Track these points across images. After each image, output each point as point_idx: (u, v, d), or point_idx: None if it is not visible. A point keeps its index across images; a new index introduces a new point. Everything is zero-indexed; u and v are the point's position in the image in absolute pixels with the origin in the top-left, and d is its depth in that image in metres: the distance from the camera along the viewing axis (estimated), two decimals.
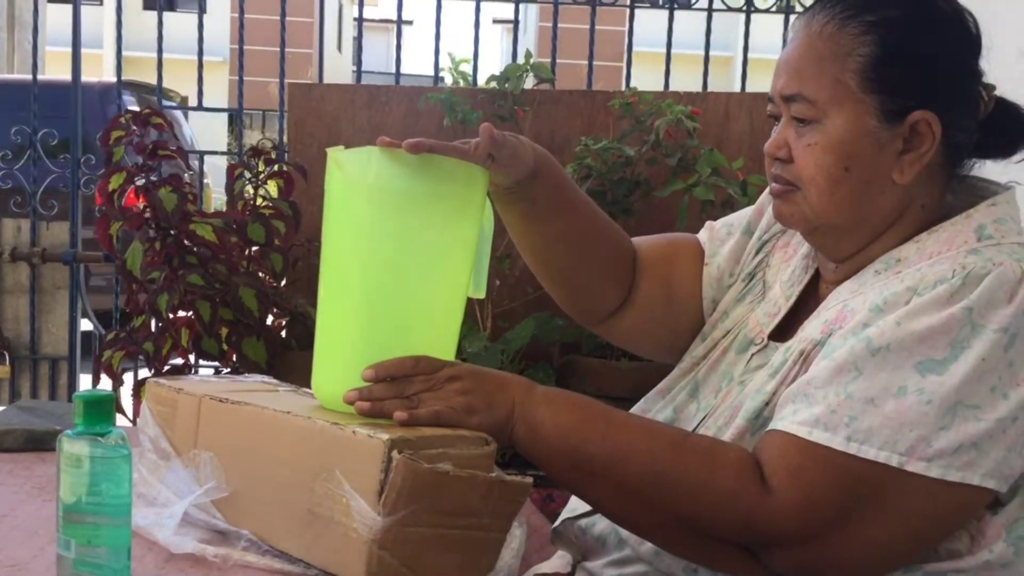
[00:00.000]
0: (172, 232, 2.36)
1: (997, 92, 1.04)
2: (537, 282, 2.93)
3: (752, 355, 1.08)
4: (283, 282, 2.59)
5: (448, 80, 2.94)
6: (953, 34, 1.01)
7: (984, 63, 1.03)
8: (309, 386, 1.31)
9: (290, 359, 2.50)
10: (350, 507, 0.92)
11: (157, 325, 2.36)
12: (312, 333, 2.73)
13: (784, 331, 1.08)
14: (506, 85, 2.62)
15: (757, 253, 1.19)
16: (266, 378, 1.41)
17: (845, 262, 1.04)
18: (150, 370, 2.41)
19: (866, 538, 0.90)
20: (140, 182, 2.40)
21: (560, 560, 1.17)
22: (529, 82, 2.66)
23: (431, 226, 1.03)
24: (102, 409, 0.85)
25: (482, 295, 1.14)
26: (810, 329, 1.01)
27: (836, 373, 0.90)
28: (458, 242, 1.06)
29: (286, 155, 2.84)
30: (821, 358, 0.94)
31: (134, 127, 2.43)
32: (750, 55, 3.04)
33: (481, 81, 2.90)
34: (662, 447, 0.97)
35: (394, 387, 1.00)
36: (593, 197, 2.45)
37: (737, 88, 3.00)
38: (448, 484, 0.93)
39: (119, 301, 3.04)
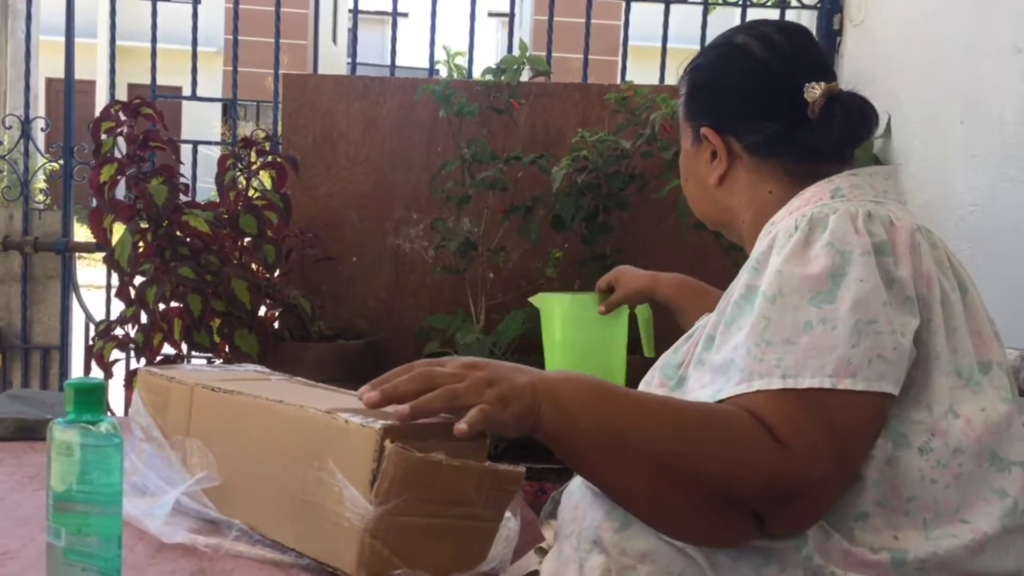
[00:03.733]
0: (163, 223, 2.35)
1: (994, 86, 1.08)
2: (530, 275, 2.95)
3: (688, 335, 1.20)
4: (276, 273, 2.59)
5: (443, 73, 2.94)
6: (737, 65, 1.21)
7: (979, 60, 1.07)
8: (302, 376, 1.31)
9: (283, 350, 2.50)
10: (342, 496, 0.92)
11: (147, 317, 2.35)
12: (305, 324, 2.73)
13: None
14: (502, 77, 2.61)
15: None
16: (259, 367, 1.40)
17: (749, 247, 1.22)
18: (139, 360, 2.40)
19: (841, 468, 0.96)
20: (130, 173, 2.39)
21: (549, 536, 1.19)
22: (525, 75, 2.66)
23: (595, 336, 1.70)
24: (93, 397, 0.84)
25: (652, 354, 1.63)
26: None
27: (751, 330, 0.99)
28: (614, 341, 1.68)
29: (279, 146, 2.84)
30: (724, 327, 1.04)
31: (124, 117, 2.42)
32: None
33: (476, 75, 2.89)
34: (685, 416, 0.97)
35: (419, 381, 0.95)
36: (589, 190, 2.48)
37: None
38: (441, 473, 0.92)
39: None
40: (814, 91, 1.14)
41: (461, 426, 0.92)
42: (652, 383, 1.13)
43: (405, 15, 20.36)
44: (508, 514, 1.03)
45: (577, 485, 1.17)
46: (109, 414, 2.11)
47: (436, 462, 0.92)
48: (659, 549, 1.04)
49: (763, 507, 0.94)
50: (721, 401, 0.99)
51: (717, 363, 1.02)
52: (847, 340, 0.95)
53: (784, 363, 0.95)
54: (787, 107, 1.17)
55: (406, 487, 0.91)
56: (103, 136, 2.45)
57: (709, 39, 3.08)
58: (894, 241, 1.02)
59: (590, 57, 3.02)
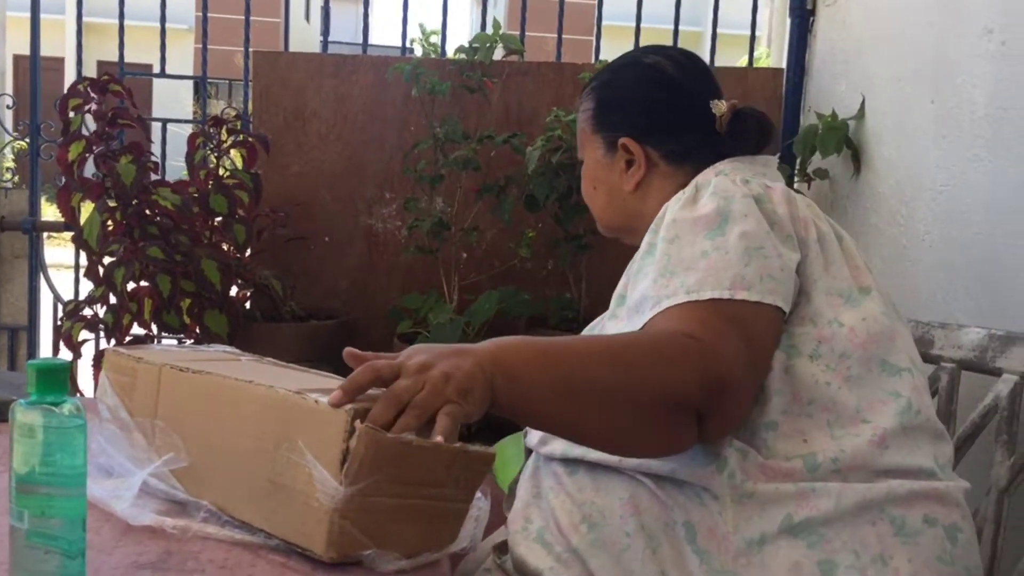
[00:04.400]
0: (132, 202, 2.32)
1: (964, 66, 1.13)
2: (503, 255, 2.94)
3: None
4: (247, 253, 2.56)
5: (418, 52, 2.91)
6: (645, 82, 1.36)
7: (951, 40, 1.10)
8: (273, 357, 1.30)
9: (254, 331, 2.48)
10: (312, 477, 0.91)
11: (116, 297, 2.32)
12: (277, 304, 2.71)
13: None
14: (475, 56, 2.59)
15: None
16: (228, 348, 1.39)
17: None
18: (108, 341, 2.37)
19: (753, 362, 1.07)
20: (99, 151, 2.35)
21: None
22: (498, 53, 2.64)
23: None
24: (56, 378, 0.82)
25: None
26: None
27: (655, 268, 1.12)
28: None
29: (250, 125, 2.80)
30: (633, 279, 1.17)
31: (92, 94, 2.38)
32: (719, 30, 3.04)
33: (450, 54, 2.87)
34: (615, 347, 1.05)
35: (389, 401, 0.93)
36: (563, 170, 2.47)
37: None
38: (411, 454, 0.92)
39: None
40: (720, 106, 1.31)
41: (438, 439, 0.92)
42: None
43: None
44: (479, 494, 1.03)
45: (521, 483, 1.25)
46: (78, 395, 2.07)
47: (407, 443, 0.91)
48: (608, 482, 1.14)
49: (702, 403, 1.01)
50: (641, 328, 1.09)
51: (631, 306, 1.15)
52: (739, 261, 1.09)
53: (687, 284, 1.08)
54: (699, 119, 1.32)
55: (376, 468, 0.90)
56: (71, 113, 2.41)
57: (683, 20, 3.08)
58: (769, 196, 1.17)
59: (564, 36, 3.00)
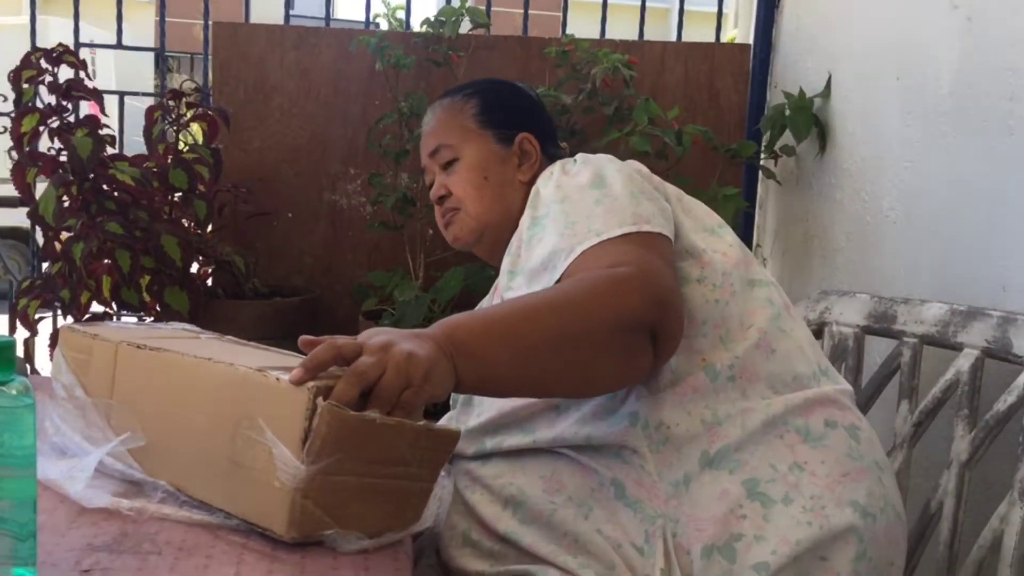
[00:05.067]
0: (89, 177, 2.27)
1: (930, 42, 1.19)
2: None
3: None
4: (208, 229, 2.52)
5: (384, 27, 2.86)
6: (524, 94, 1.56)
7: (917, 16, 1.15)
8: (237, 335, 1.27)
9: (216, 308, 2.44)
10: (273, 455, 0.89)
11: (73, 274, 2.27)
12: (239, 281, 2.67)
13: None
14: (441, 29, 2.56)
15: None
16: (187, 326, 1.36)
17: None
18: (66, 319, 2.33)
19: (673, 286, 1.14)
20: (53, 124, 2.29)
21: None
22: (464, 27, 2.61)
23: None
24: (2, 356, 0.80)
25: None
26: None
27: (553, 228, 1.19)
28: None
29: (211, 98, 2.75)
30: (526, 247, 1.24)
31: (47, 65, 2.32)
32: (686, 6, 3.02)
33: (415, 26, 2.83)
34: (553, 296, 1.08)
35: (352, 378, 0.91)
36: None
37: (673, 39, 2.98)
38: (374, 432, 0.90)
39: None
40: (564, 146, 1.56)
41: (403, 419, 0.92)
42: None
43: None
44: (443, 473, 1.02)
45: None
46: (34, 374, 2.02)
47: (370, 421, 0.90)
48: (526, 462, 1.18)
49: (653, 320, 1.07)
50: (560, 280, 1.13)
51: (535, 268, 1.19)
52: (631, 203, 1.18)
53: (594, 227, 1.14)
54: (555, 134, 1.56)
55: (339, 446, 0.88)
56: (24, 85, 2.34)
57: None
58: (625, 164, 1.30)
59: (531, 11, 2.97)
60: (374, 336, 0.96)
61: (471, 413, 1.29)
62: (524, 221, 1.28)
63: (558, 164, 1.32)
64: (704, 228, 1.28)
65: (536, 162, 1.44)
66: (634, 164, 1.32)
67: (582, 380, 1.08)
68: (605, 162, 1.28)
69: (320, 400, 0.88)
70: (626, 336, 1.06)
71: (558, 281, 1.14)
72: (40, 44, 2.57)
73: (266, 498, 0.91)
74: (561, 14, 3.06)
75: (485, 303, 1.43)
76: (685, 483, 1.12)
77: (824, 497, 1.11)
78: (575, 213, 1.18)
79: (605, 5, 2.91)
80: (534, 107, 1.55)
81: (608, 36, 2.88)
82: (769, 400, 1.16)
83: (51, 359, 2.32)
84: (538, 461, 1.18)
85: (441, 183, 1.46)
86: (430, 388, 0.93)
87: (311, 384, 0.89)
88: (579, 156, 1.33)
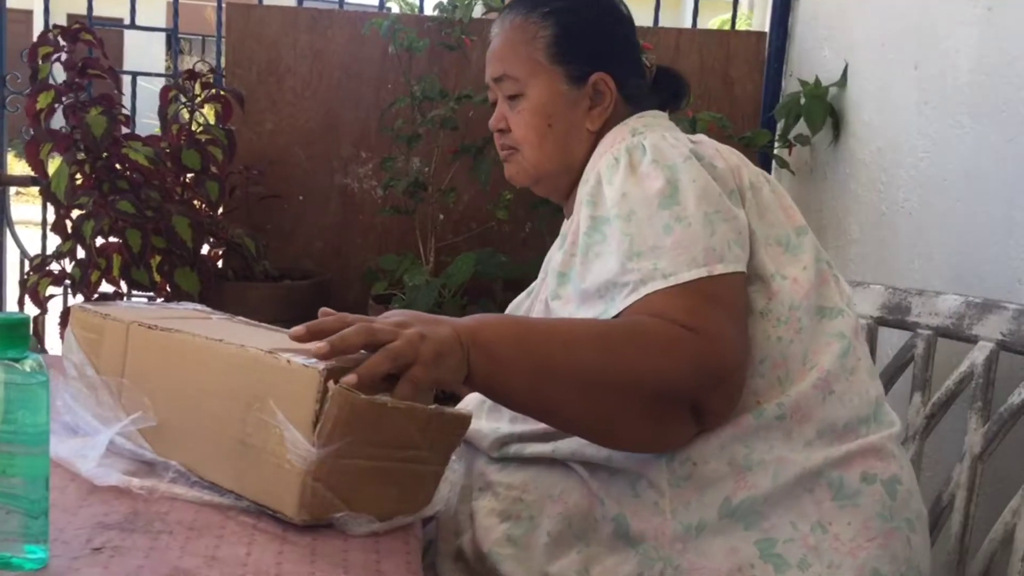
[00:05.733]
0: (102, 155, 2.27)
1: (948, 31, 1.14)
2: (481, 217, 2.91)
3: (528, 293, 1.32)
4: (219, 211, 2.52)
5: (396, 10, 2.85)
6: (611, 14, 1.29)
7: (935, 4, 1.13)
8: (245, 317, 1.27)
9: (226, 290, 2.44)
10: (283, 438, 0.89)
11: (84, 252, 2.28)
12: (250, 263, 2.67)
13: None
14: (454, 13, 2.54)
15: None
16: (199, 306, 1.36)
17: (569, 200, 1.30)
18: (76, 297, 2.33)
19: (744, 344, 1.05)
20: (68, 101, 2.29)
21: None
22: (477, 11, 2.59)
23: None
24: (17, 333, 0.79)
25: None
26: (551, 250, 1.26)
27: (617, 250, 1.05)
28: None
29: (223, 80, 2.74)
30: (582, 256, 1.10)
31: (63, 43, 2.32)
32: None
33: (428, 10, 2.81)
34: (601, 330, 1.00)
35: (363, 335, 0.92)
36: None
37: (688, 25, 2.96)
38: (386, 416, 0.90)
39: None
40: (651, 57, 1.30)
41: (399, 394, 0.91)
42: None
43: None
44: (453, 457, 1.01)
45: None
46: (44, 352, 2.03)
47: (381, 404, 0.89)
48: (538, 476, 1.12)
49: (698, 394, 0.99)
50: (616, 316, 1.03)
51: (589, 290, 1.08)
52: (704, 231, 1.05)
53: (661, 266, 1.03)
54: (642, 66, 1.31)
55: (350, 429, 0.88)
56: (40, 62, 2.34)
57: None
58: (702, 148, 1.15)
59: None
60: (392, 316, 0.96)
61: (503, 411, 1.19)
62: (583, 215, 1.13)
63: (624, 152, 1.14)
64: (779, 241, 1.13)
65: (609, 106, 1.25)
66: (710, 149, 1.15)
67: (599, 431, 1.02)
68: (679, 163, 1.10)
69: (331, 383, 0.88)
70: (663, 405, 0.99)
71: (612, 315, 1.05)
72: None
73: (276, 480, 0.91)
74: None
75: (523, 300, 1.32)
76: (698, 530, 1.04)
77: (844, 566, 1.03)
78: (641, 239, 1.05)
79: None
80: (619, 34, 1.30)
81: None
82: (809, 451, 1.06)
83: (61, 338, 2.33)
84: (552, 477, 1.12)
85: (502, 114, 1.29)
86: (438, 371, 0.93)
87: (322, 366, 0.89)
88: (649, 143, 1.14)
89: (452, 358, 0.94)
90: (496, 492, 1.14)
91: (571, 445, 1.10)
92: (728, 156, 1.15)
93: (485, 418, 1.21)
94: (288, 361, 0.91)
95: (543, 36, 1.25)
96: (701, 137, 1.19)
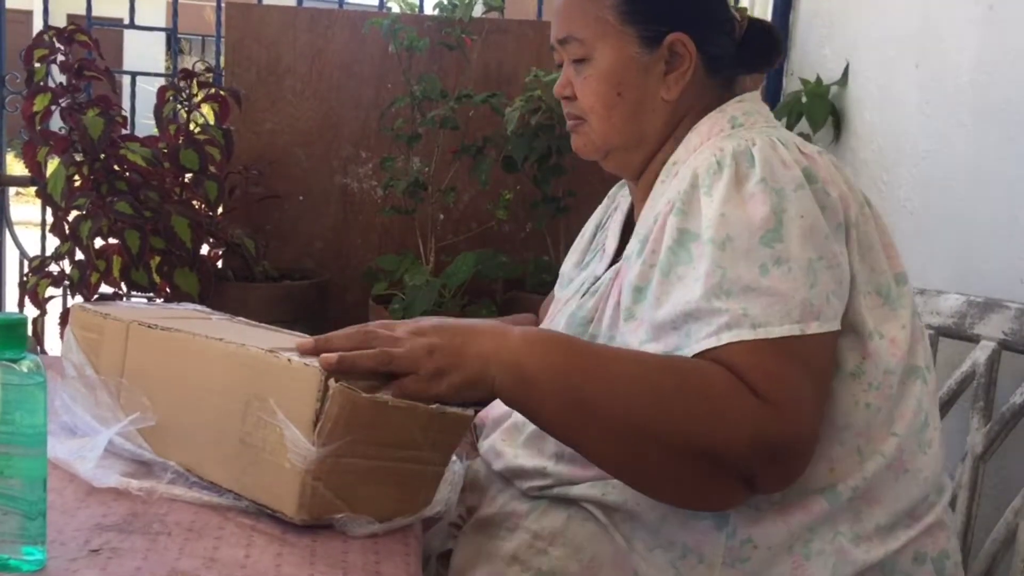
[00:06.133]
0: (100, 157, 2.26)
1: (950, 30, 1.09)
2: (481, 217, 2.90)
3: (586, 290, 1.15)
4: (218, 211, 2.51)
5: (396, 9, 2.85)
6: None
7: (938, 5, 1.08)
8: (246, 317, 1.26)
9: (226, 290, 2.44)
10: (283, 437, 0.88)
11: (82, 253, 2.27)
12: (249, 264, 2.66)
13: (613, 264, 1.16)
14: (454, 12, 2.54)
15: (595, 235, 1.29)
16: (198, 306, 1.36)
17: (641, 179, 1.16)
18: (75, 298, 2.32)
19: (819, 417, 0.94)
20: (65, 104, 2.28)
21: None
22: (477, 10, 2.59)
23: None
24: (14, 333, 0.79)
25: None
26: (627, 251, 1.09)
27: (706, 281, 0.94)
28: None
29: (222, 79, 2.74)
30: (662, 277, 0.97)
31: (59, 45, 2.31)
32: None
33: (428, 10, 2.81)
34: (655, 374, 0.92)
35: (356, 338, 0.93)
36: (542, 131, 2.43)
37: None
38: (387, 415, 0.90)
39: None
40: (743, 10, 1.13)
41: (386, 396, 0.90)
42: None
43: None
44: (454, 457, 1.01)
45: (480, 464, 1.14)
46: (43, 353, 2.02)
47: (382, 403, 0.89)
48: (570, 529, 1.02)
49: (749, 467, 0.90)
50: (696, 355, 0.93)
51: (665, 319, 0.96)
52: (805, 281, 0.93)
53: (751, 312, 0.91)
54: (728, 22, 1.14)
55: (350, 428, 0.88)
56: (36, 64, 2.34)
57: None
58: (816, 166, 1.00)
59: None
60: (422, 320, 0.95)
61: (547, 443, 1.09)
62: (670, 224, 0.99)
63: (730, 160, 0.99)
64: (878, 289, 1.01)
65: (688, 70, 1.10)
66: (825, 172, 1.00)
67: (631, 476, 0.95)
68: (789, 190, 0.96)
69: (332, 382, 0.87)
70: (710, 467, 0.90)
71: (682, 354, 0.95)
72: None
73: (276, 480, 0.90)
74: None
75: (578, 294, 1.16)
76: None
77: None
78: (734, 275, 0.93)
79: None
80: None
81: None
82: (870, 546, 0.98)
83: (61, 338, 2.33)
84: (585, 532, 1.02)
85: (568, 79, 1.15)
86: (436, 388, 0.92)
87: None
88: (759, 154, 0.99)
89: (457, 375, 0.92)
90: (522, 538, 1.05)
91: (624, 494, 1.01)
92: (838, 180, 1.01)
93: (522, 447, 1.10)
94: (289, 360, 0.91)
95: None
96: (812, 149, 1.03)
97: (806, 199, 0.97)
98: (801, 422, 0.89)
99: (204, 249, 2.47)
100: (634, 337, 1.00)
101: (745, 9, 1.13)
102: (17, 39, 3.29)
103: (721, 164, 0.99)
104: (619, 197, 1.29)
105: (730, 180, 0.98)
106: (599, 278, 1.14)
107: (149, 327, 1.07)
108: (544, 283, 2.56)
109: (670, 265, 0.97)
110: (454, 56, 2.64)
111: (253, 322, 1.23)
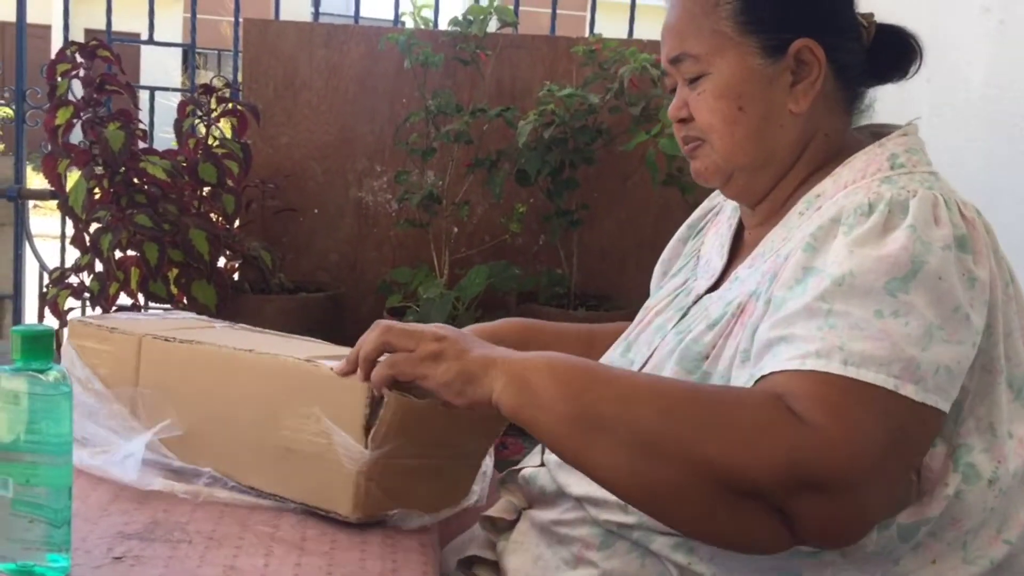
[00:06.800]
0: (120, 170, 2.30)
1: (961, 44, 1.06)
2: (494, 230, 2.92)
3: (688, 309, 1.06)
4: (235, 224, 2.54)
5: (411, 25, 2.88)
6: None
7: (947, 18, 1.05)
8: (261, 328, 1.28)
9: (242, 302, 2.46)
10: (333, 442, 0.93)
11: (101, 265, 2.30)
12: (266, 276, 2.68)
13: (717, 285, 1.07)
14: (469, 28, 2.56)
15: (691, 240, 1.22)
16: (192, 314, 1.38)
17: (763, 203, 1.06)
18: (94, 310, 2.35)
19: (893, 470, 0.83)
20: (86, 117, 2.32)
21: (506, 505, 1.09)
22: (492, 26, 2.61)
23: None
24: (40, 345, 0.81)
25: None
26: (744, 277, 1.01)
27: (809, 312, 0.85)
28: None
29: (240, 94, 2.77)
30: (773, 311, 0.89)
31: (81, 59, 2.35)
32: None
33: (443, 26, 2.84)
34: (674, 388, 0.87)
35: (378, 346, 0.93)
36: (555, 145, 2.45)
37: None
38: (434, 417, 0.94)
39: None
40: (869, 15, 1.02)
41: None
42: (663, 372, 0.99)
43: None
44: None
45: (548, 478, 1.05)
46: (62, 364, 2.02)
47: (432, 407, 0.93)
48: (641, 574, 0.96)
49: (783, 496, 0.79)
50: (762, 379, 0.85)
51: (760, 339, 0.89)
52: (919, 341, 0.83)
53: (848, 349, 0.82)
54: (858, 25, 1.02)
55: (402, 431, 0.93)
56: (58, 78, 2.37)
57: None
58: (973, 237, 0.89)
59: (558, 11, 2.97)
60: (440, 330, 0.94)
61: None
62: (793, 261, 0.90)
63: (884, 208, 0.89)
64: (1014, 382, 0.92)
65: (818, 79, 0.99)
66: (981, 245, 0.90)
67: (646, 503, 0.85)
68: (936, 247, 0.86)
69: (386, 389, 0.91)
70: (734, 495, 0.80)
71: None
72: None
73: (328, 482, 0.95)
74: (588, 13, 3.06)
75: (702, 326, 1.00)
76: None
77: None
78: (843, 311, 0.84)
79: (633, 5, 2.91)
80: None
81: (636, 36, 2.87)
82: None
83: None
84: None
85: (683, 99, 1.04)
86: (427, 369, 0.90)
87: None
88: (916, 205, 0.89)
89: (455, 365, 0.90)
90: (589, 572, 0.97)
91: (712, 567, 0.92)
92: (988, 256, 0.90)
93: None
94: (331, 369, 0.95)
95: (728, 2, 1.00)
96: (972, 212, 0.92)
97: (949, 262, 0.86)
98: (852, 453, 0.79)
99: (221, 261, 2.50)
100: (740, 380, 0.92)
101: (871, 14, 1.02)
102: (36, 54, 3.34)
103: (873, 207, 0.90)
104: (722, 201, 1.19)
105: (876, 225, 0.88)
106: (700, 297, 1.07)
107: (166, 340, 1.08)
108: (557, 296, 2.57)
109: (783, 300, 0.89)
110: (468, 71, 2.66)
111: (257, 329, 1.24)
